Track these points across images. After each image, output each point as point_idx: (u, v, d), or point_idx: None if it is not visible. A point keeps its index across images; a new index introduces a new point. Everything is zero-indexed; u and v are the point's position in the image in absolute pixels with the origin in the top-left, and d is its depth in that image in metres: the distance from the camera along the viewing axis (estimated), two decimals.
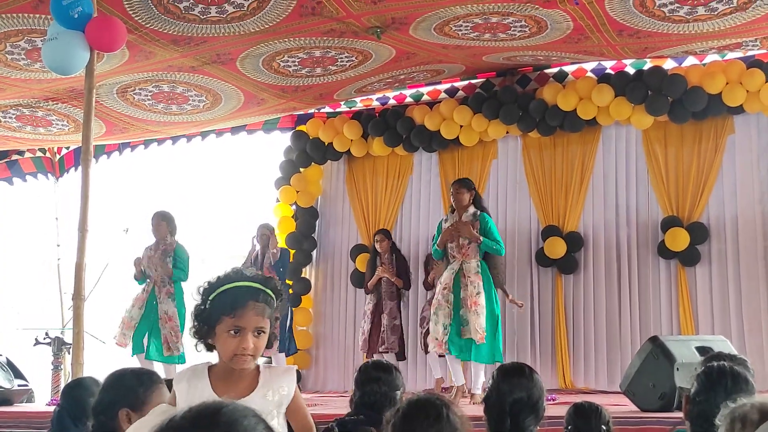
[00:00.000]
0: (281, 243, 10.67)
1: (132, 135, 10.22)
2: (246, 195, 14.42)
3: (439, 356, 8.75)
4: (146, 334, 8.82)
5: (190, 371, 2.92)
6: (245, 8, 6.58)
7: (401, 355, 9.58)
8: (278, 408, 2.87)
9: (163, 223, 8.97)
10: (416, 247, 10.42)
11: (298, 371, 10.27)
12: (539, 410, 3.45)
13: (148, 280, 8.94)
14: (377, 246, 9.63)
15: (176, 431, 1.35)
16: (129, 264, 9.12)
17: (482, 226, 7.77)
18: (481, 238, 7.73)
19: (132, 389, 3.29)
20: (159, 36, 7.06)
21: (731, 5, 6.71)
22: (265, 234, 9.73)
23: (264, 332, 2.82)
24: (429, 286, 9.44)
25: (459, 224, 7.83)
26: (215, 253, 13.33)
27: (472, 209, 7.86)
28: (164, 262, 8.89)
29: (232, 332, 2.78)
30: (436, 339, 7.65)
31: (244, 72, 8.19)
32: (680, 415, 3.55)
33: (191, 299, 2.95)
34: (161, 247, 8.94)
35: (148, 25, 6.81)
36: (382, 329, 9.41)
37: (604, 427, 3.82)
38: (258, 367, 2.90)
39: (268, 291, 2.84)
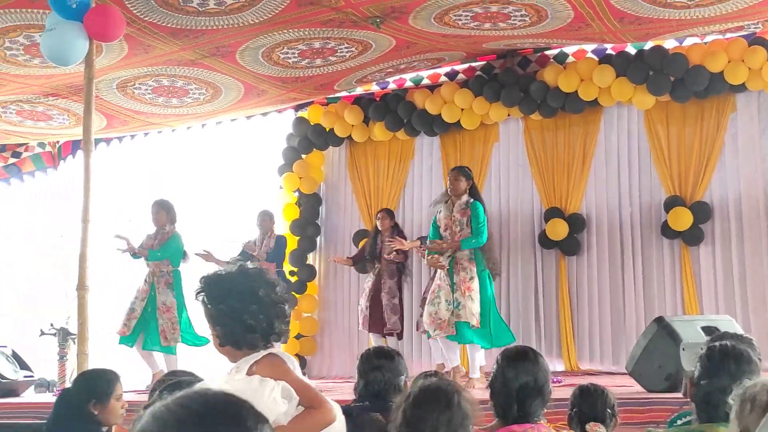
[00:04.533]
0: (286, 230, 10.67)
1: (133, 128, 10.20)
2: (248, 180, 14.39)
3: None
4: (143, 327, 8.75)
5: None
6: None
7: (400, 335, 9.55)
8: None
9: (163, 212, 8.83)
10: (419, 230, 10.37)
11: (300, 356, 10.28)
12: (545, 393, 3.44)
13: (149, 270, 8.87)
14: (378, 224, 9.54)
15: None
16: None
17: (472, 212, 7.80)
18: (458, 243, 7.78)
19: (98, 385, 4.06)
20: (157, 29, 7.02)
21: None
22: (266, 220, 9.74)
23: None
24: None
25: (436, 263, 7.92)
26: (218, 240, 13.32)
27: (465, 197, 7.88)
28: None
29: None
30: (440, 320, 7.67)
31: (244, 64, 8.15)
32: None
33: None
34: (158, 236, 8.83)
35: (145, 18, 6.77)
36: (383, 309, 9.36)
37: (609, 411, 3.83)
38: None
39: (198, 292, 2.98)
